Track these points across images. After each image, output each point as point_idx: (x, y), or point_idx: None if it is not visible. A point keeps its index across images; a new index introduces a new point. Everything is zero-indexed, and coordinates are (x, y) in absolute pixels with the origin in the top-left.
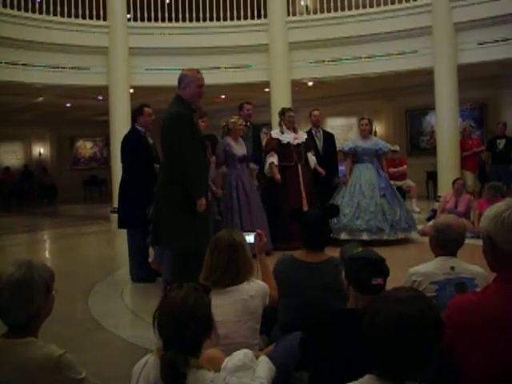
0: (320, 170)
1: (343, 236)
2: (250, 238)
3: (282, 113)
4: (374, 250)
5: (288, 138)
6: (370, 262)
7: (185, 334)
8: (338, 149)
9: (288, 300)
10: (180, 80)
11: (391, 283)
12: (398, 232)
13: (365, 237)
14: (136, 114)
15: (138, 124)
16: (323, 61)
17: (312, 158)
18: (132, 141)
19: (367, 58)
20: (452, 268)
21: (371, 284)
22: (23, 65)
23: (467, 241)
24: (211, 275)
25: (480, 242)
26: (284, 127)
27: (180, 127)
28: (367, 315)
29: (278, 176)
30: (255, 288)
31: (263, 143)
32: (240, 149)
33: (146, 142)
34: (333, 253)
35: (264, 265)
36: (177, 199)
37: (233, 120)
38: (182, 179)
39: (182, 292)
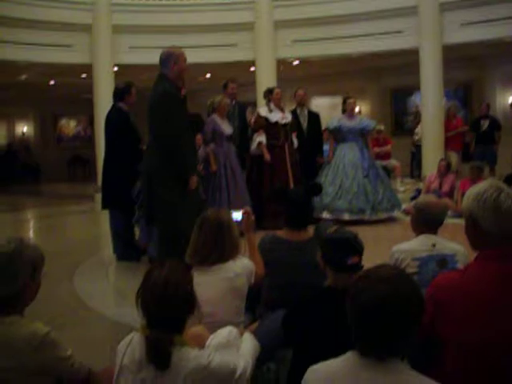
0: (296, 154)
1: (325, 215)
2: (237, 215)
3: (270, 92)
4: (357, 229)
5: (276, 116)
6: (342, 242)
7: (168, 312)
8: (323, 128)
9: (272, 279)
10: (166, 58)
11: (376, 261)
12: (379, 213)
13: (346, 217)
14: (123, 92)
15: (125, 103)
16: (309, 40)
17: (294, 141)
18: (120, 120)
19: (352, 37)
20: (433, 245)
21: (346, 264)
22: (5, 42)
23: (450, 220)
24: (197, 253)
25: (463, 222)
26: (272, 105)
27: (169, 105)
28: (350, 294)
29: (267, 155)
30: (240, 266)
31: (249, 121)
32: (227, 127)
33: (131, 122)
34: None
35: (251, 243)
36: (167, 178)
37: (218, 98)
38: (173, 158)
39: (164, 270)
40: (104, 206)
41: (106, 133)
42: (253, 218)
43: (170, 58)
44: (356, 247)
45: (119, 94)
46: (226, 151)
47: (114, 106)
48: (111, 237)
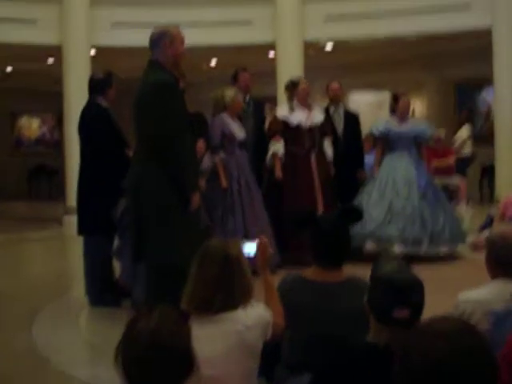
0: (330, 168)
1: (369, 246)
2: (250, 248)
3: (293, 85)
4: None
5: (299, 117)
6: (393, 286)
7: (156, 375)
8: (364, 133)
9: (295, 332)
10: (158, 39)
11: (435, 311)
12: (440, 245)
13: (397, 249)
14: (104, 84)
15: (106, 98)
16: (346, 16)
17: (328, 150)
18: (100, 119)
19: (404, 13)
20: None
21: (391, 315)
22: None
23: None
24: (196, 297)
25: None
26: (295, 103)
27: (165, 98)
28: (398, 353)
29: (279, 172)
30: (254, 316)
31: (266, 123)
32: (240, 130)
33: (115, 122)
34: (355, 269)
35: (269, 284)
36: (161, 195)
37: (231, 93)
38: (169, 167)
39: (153, 319)
40: (81, 231)
41: (81, 136)
42: (271, 251)
43: (163, 38)
44: (409, 298)
45: (98, 86)
46: (239, 161)
47: (90, 102)
48: (84, 273)
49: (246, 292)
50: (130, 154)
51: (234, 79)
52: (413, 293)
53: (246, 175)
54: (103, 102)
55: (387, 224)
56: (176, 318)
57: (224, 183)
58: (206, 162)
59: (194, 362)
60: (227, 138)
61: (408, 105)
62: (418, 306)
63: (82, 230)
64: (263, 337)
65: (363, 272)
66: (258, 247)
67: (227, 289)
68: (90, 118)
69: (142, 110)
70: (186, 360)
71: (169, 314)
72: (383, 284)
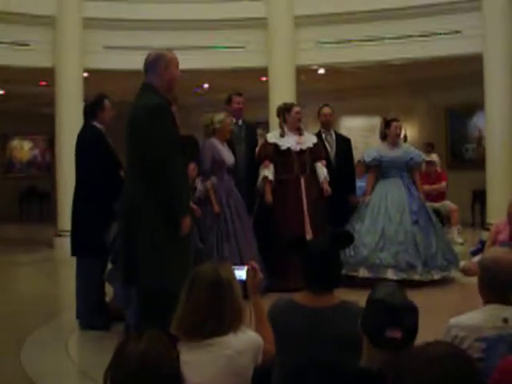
0: (326, 187)
1: (362, 273)
2: (240, 273)
3: (286, 109)
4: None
5: (288, 142)
6: (388, 307)
7: None
8: (356, 159)
9: (285, 357)
10: (153, 62)
11: (426, 336)
12: (433, 271)
13: (390, 275)
14: (94, 107)
15: (98, 121)
16: (338, 42)
17: (322, 170)
18: (93, 142)
19: (396, 38)
20: (505, 320)
21: (384, 336)
22: None
23: None
24: (186, 321)
25: None
26: (286, 128)
27: (161, 124)
28: (391, 378)
29: (268, 197)
30: (245, 341)
31: (256, 149)
32: (229, 155)
33: (109, 145)
34: (348, 296)
35: (259, 309)
36: (152, 218)
37: (220, 117)
38: (161, 190)
39: (142, 343)
40: (74, 253)
41: (76, 159)
42: (261, 276)
43: (159, 62)
44: (402, 319)
45: (90, 109)
46: (227, 187)
47: (85, 125)
48: (76, 294)
49: (237, 317)
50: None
51: (227, 103)
52: (406, 315)
53: (235, 201)
54: (98, 124)
55: (380, 250)
56: (165, 341)
57: (216, 208)
58: (198, 187)
59: None
60: (217, 163)
61: (399, 129)
62: (412, 330)
63: (74, 251)
64: (254, 362)
65: (357, 298)
66: (248, 272)
67: (218, 313)
68: (84, 141)
69: (134, 131)
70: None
71: (158, 338)
72: (376, 304)
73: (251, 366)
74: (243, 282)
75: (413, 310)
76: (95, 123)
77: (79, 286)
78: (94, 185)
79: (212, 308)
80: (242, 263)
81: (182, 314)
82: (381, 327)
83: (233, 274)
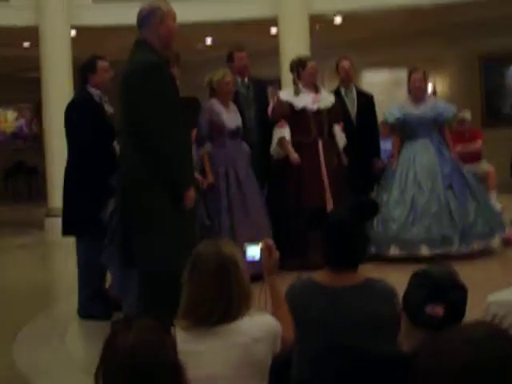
0: (342, 157)
1: (393, 251)
2: (254, 251)
3: (300, 63)
4: None
5: (304, 100)
6: (429, 281)
7: None
8: (380, 118)
9: (306, 344)
10: (147, 16)
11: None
12: (473, 241)
13: (424, 251)
14: (86, 70)
15: (91, 85)
16: None
17: (340, 135)
18: (83, 109)
19: None
20: None
21: (424, 311)
22: None
23: None
24: (193, 309)
25: None
26: (301, 85)
27: (154, 81)
28: (420, 361)
29: (294, 155)
30: (261, 327)
31: (269, 109)
32: (232, 118)
33: (102, 111)
34: (375, 274)
35: (276, 292)
36: (153, 193)
37: (217, 76)
38: (159, 162)
39: (131, 336)
40: (65, 232)
41: (67, 128)
42: (277, 254)
43: (153, 15)
44: (445, 295)
45: (80, 73)
46: (228, 155)
47: (77, 91)
48: (79, 279)
49: (246, 298)
50: (117, 147)
51: (229, 60)
52: (451, 291)
53: (238, 171)
54: (91, 89)
55: (411, 224)
56: (157, 330)
57: (210, 179)
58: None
59: (182, 378)
60: (215, 127)
61: (419, 81)
62: (456, 309)
63: (66, 230)
64: (272, 351)
65: (386, 276)
66: (263, 251)
67: (226, 297)
68: (70, 108)
69: (126, 93)
70: (171, 375)
71: (148, 327)
72: (420, 277)
73: (269, 354)
74: (258, 262)
75: (460, 289)
76: (88, 88)
77: (81, 269)
78: (84, 157)
79: (220, 292)
80: (233, 240)
81: (186, 301)
82: (422, 302)
83: (236, 251)
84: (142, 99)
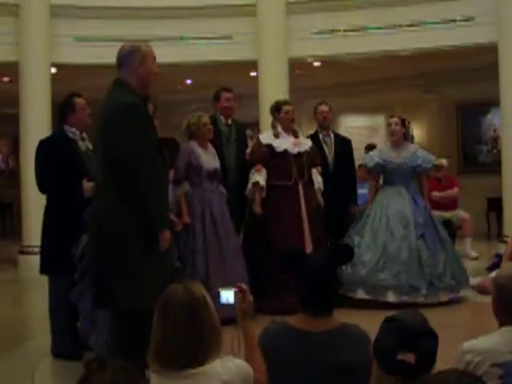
0: (319, 198)
1: (360, 294)
2: (228, 295)
3: (277, 108)
4: None
5: (285, 143)
6: (402, 326)
7: None
8: (357, 162)
9: None
10: (126, 57)
11: (437, 364)
12: (439, 292)
13: (391, 297)
14: (64, 109)
15: (70, 124)
16: (336, 30)
17: (317, 179)
18: (48, 146)
19: (401, 26)
20: None
21: (395, 358)
22: None
23: None
24: (162, 351)
25: None
26: (279, 128)
27: (134, 125)
28: None
29: (258, 208)
30: (233, 371)
31: (248, 151)
32: (210, 160)
33: (71, 148)
34: (347, 318)
35: (249, 335)
36: (129, 233)
37: (194, 119)
38: (137, 203)
39: (106, 376)
40: (42, 269)
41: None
42: (251, 298)
43: (133, 56)
44: (417, 342)
45: (59, 112)
46: (205, 196)
47: (55, 129)
48: (50, 315)
49: (217, 339)
50: (87, 184)
51: (215, 100)
52: (423, 338)
53: (214, 213)
54: (68, 128)
55: (380, 270)
56: (131, 371)
57: (186, 219)
58: (170, 196)
59: None
60: (193, 168)
61: (396, 127)
62: (428, 356)
63: (44, 268)
64: None
65: (358, 321)
66: (237, 295)
67: (195, 338)
68: (39, 147)
69: (104, 133)
70: None
71: (123, 368)
72: (390, 323)
73: None
74: (231, 306)
75: (432, 336)
76: (66, 127)
77: (53, 306)
78: (53, 195)
79: (189, 334)
80: (207, 282)
81: (159, 343)
82: (393, 349)
83: (205, 292)
84: (122, 139)
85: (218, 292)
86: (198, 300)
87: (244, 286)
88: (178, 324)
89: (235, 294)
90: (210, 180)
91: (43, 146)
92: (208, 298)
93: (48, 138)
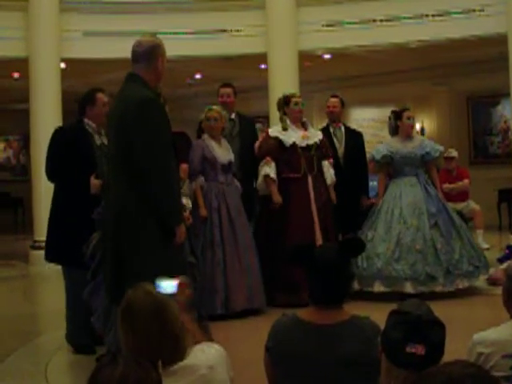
0: (331, 193)
1: (377, 287)
2: (169, 286)
3: (285, 101)
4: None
5: (293, 136)
6: (411, 318)
7: None
8: (368, 155)
9: (290, 381)
10: (148, 53)
11: (446, 355)
12: (457, 279)
13: (408, 288)
14: (84, 102)
15: (88, 117)
16: (346, 22)
17: (330, 171)
18: (64, 135)
19: (411, 18)
20: None
21: (405, 351)
22: None
23: None
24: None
25: None
26: (288, 121)
27: (151, 119)
28: None
29: (277, 196)
30: (214, 354)
31: (256, 144)
32: (224, 153)
33: (87, 140)
34: (361, 311)
35: (190, 327)
36: (144, 228)
37: (203, 114)
38: (157, 197)
39: (118, 370)
40: (51, 258)
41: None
42: (188, 292)
43: (155, 51)
44: (426, 334)
45: (79, 105)
46: (221, 190)
47: (74, 123)
48: (66, 308)
49: (186, 332)
50: (94, 181)
51: (218, 95)
52: (431, 330)
53: (229, 206)
54: (87, 121)
55: (396, 261)
56: (143, 365)
57: (203, 212)
58: (187, 189)
59: None
60: (208, 161)
61: (409, 122)
62: (436, 348)
63: (50, 255)
64: (229, 372)
65: (371, 313)
66: (178, 288)
67: (170, 337)
68: (58, 135)
69: (122, 129)
70: None
71: (135, 361)
72: (398, 316)
73: (228, 380)
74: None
75: (439, 326)
76: (85, 120)
77: (69, 300)
78: (63, 191)
79: (165, 335)
80: (225, 274)
81: (134, 351)
82: (401, 341)
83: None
84: (138, 133)
85: (159, 283)
86: (161, 300)
87: (184, 279)
88: (150, 331)
89: (175, 285)
90: (224, 173)
91: (59, 134)
92: (168, 298)
93: (65, 127)
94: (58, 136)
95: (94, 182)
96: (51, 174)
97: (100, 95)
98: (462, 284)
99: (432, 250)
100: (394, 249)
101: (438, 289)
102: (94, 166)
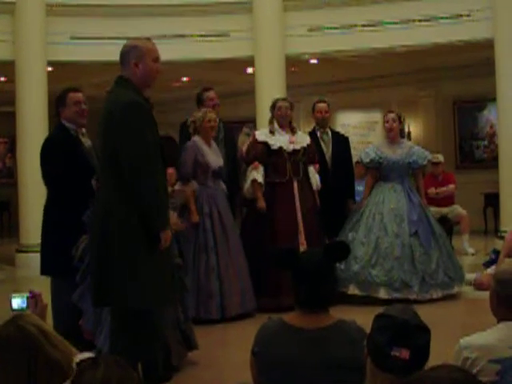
0: (316, 197)
1: (352, 290)
2: (19, 302)
3: (273, 105)
4: None
5: (280, 140)
6: (394, 323)
7: None
8: (354, 160)
9: None
10: (126, 54)
11: (431, 360)
12: (431, 289)
13: (382, 294)
14: (57, 105)
15: (64, 119)
16: (333, 27)
17: (315, 178)
18: (54, 144)
19: (397, 23)
20: None
21: (389, 355)
22: None
23: None
24: None
25: None
26: (276, 125)
27: (138, 118)
28: None
29: (262, 203)
30: None
31: (244, 148)
32: (215, 158)
33: (76, 145)
34: (344, 314)
35: None
36: (130, 232)
37: (200, 114)
38: (139, 203)
39: (99, 372)
40: (42, 271)
41: (42, 165)
42: (44, 303)
43: (131, 53)
44: (412, 337)
45: (54, 108)
46: (211, 194)
47: (55, 126)
48: (53, 317)
49: (68, 362)
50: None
51: (198, 101)
52: (416, 334)
53: (220, 210)
54: (66, 123)
55: (372, 266)
56: (124, 366)
57: (195, 218)
58: (178, 193)
59: None
60: (200, 166)
61: (392, 123)
62: (422, 352)
63: (44, 269)
64: None
65: (354, 317)
66: (29, 300)
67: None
68: (47, 147)
69: (108, 132)
70: None
71: (115, 363)
72: (384, 320)
73: None
74: (23, 311)
75: (425, 331)
76: (64, 122)
77: (55, 309)
78: (54, 193)
79: (41, 371)
80: (220, 280)
81: None
82: (386, 345)
83: (37, 319)
84: (124, 138)
85: (10, 298)
86: (35, 331)
87: (37, 292)
88: (20, 371)
89: (27, 299)
90: (214, 178)
91: (50, 144)
92: (45, 327)
93: (52, 136)
94: (48, 147)
95: (97, 186)
96: (56, 179)
97: (71, 95)
98: (436, 294)
99: (409, 257)
100: (372, 254)
101: (413, 297)
102: (89, 170)
